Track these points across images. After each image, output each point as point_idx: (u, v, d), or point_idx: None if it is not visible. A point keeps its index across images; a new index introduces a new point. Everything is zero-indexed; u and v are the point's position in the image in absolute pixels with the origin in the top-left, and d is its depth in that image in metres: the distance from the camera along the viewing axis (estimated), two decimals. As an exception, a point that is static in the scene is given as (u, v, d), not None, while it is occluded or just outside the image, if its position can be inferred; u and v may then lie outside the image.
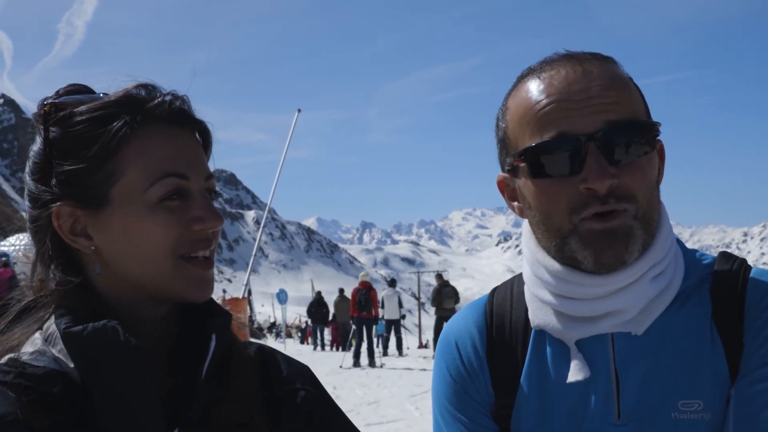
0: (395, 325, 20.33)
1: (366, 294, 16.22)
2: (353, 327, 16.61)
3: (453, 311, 16.21)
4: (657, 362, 1.11)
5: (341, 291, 24.26)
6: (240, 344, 1.11)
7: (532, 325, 1.21)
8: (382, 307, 19.18)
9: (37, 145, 1.00)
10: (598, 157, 1.04)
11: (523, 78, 1.15)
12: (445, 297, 16.81)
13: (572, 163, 1.05)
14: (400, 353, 19.43)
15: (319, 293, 27.09)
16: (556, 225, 1.09)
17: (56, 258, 1.00)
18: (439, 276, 18.18)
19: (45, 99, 1.01)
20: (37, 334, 0.97)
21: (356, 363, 15.49)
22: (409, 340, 29.07)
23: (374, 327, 16.24)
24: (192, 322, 1.04)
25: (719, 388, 1.07)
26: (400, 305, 20.15)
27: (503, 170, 1.20)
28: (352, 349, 16.07)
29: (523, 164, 1.11)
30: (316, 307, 25.64)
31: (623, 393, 1.12)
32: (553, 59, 1.13)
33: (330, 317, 26.24)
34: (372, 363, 15.63)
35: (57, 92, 1.02)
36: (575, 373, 1.13)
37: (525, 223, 1.22)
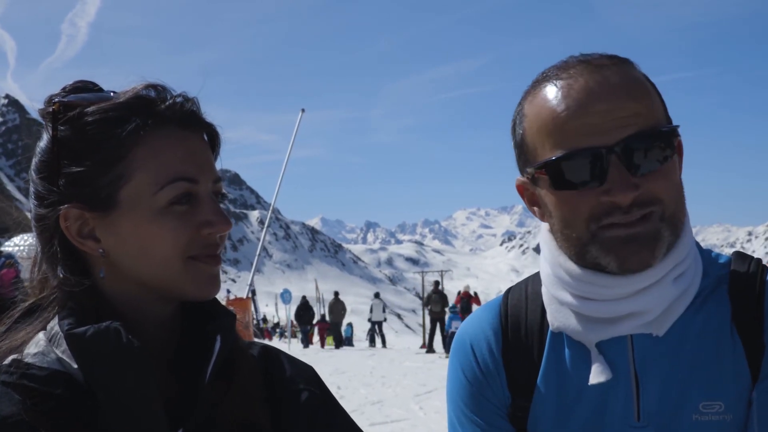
0: (379, 325, 27.48)
1: (467, 301, 20.19)
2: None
3: (440, 313, 20.91)
4: (677, 363, 1.10)
5: (336, 294, 28.22)
6: (244, 344, 1.11)
7: (551, 327, 1.19)
8: (371, 311, 27.47)
9: (44, 143, 0.99)
10: (621, 169, 1.03)
11: (539, 84, 1.13)
12: (432, 302, 21.19)
13: (594, 175, 1.05)
14: (384, 345, 27.05)
15: (304, 297, 29.03)
16: (576, 233, 1.09)
17: (63, 259, 0.99)
18: (435, 283, 22.35)
19: (53, 96, 1.00)
20: (41, 335, 0.96)
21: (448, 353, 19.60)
22: (410, 340, 30.86)
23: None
24: (196, 322, 1.03)
25: (741, 389, 1.07)
26: (384, 311, 27.74)
27: (522, 174, 1.19)
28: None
29: (543, 175, 1.10)
30: (303, 310, 27.67)
31: (643, 395, 1.11)
32: (570, 65, 1.10)
33: (315, 319, 29.09)
34: None
35: (64, 89, 1.01)
36: (597, 375, 1.12)
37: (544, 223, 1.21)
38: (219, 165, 1.06)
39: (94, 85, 1.03)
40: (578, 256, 1.11)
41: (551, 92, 1.09)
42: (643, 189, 1.04)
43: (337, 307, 26.81)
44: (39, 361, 0.92)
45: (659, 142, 1.05)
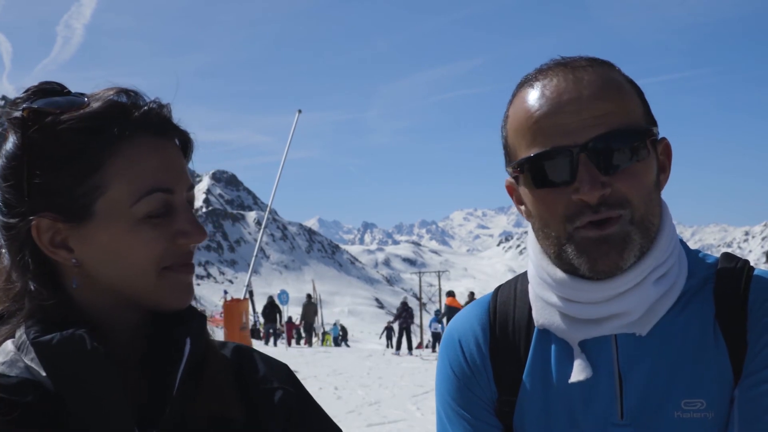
0: (309, 325, 30.59)
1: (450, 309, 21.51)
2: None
3: None
4: (660, 362, 1.11)
5: (309, 296, 30.71)
6: (214, 345, 1.09)
7: (536, 324, 1.21)
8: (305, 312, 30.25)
9: (10, 147, 0.95)
10: (590, 167, 1.05)
11: (520, 87, 1.17)
12: None
13: (566, 173, 1.07)
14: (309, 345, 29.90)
15: (270, 297, 30.26)
16: (554, 233, 1.11)
17: (33, 269, 0.96)
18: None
19: (17, 99, 0.96)
20: (9, 343, 0.94)
21: None
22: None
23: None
24: (166, 325, 1.01)
25: (723, 387, 1.08)
26: (316, 313, 30.53)
27: (510, 175, 1.22)
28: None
29: (521, 174, 1.13)
30: (270, 309, 28.54)
31: (626, 394, 1.12)
32: (547, 67, 1.14)
33: (280, 318, 30.83)
34: None
35: (28, 91, 0.97)
36: (578, 373, 1.14)
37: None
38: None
39: (62, 87, 0.99)
40: (556, 255, 1.13)
41: (528, 94, 1.13)
42: (612, 188, 1.05)
43: (310, 309, 29.26)
44: (7, 370, 0.91)
45: (630, 142, 1.07)
